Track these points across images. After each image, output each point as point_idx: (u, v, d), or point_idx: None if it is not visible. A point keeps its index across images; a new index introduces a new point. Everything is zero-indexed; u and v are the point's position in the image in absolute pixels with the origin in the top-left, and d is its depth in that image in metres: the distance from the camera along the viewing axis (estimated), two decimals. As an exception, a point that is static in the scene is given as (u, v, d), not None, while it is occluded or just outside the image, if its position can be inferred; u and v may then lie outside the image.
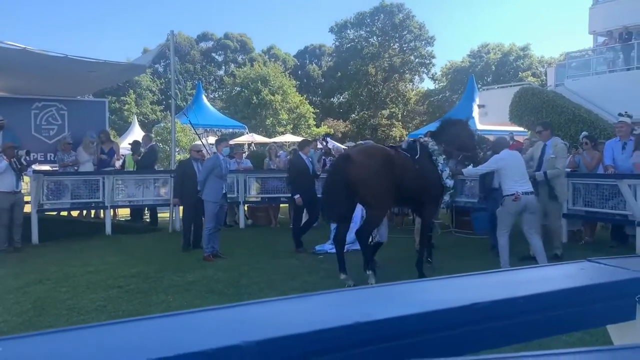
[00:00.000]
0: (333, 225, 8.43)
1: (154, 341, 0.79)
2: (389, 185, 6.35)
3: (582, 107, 16.20)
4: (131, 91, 44.48)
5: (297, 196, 8.79)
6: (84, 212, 11.50)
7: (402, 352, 0.87)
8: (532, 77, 41.26)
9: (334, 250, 8.17)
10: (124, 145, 20.94)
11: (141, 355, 0.72)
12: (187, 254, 8.48)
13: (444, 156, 6.99)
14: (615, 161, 8.47)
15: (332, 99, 51.17)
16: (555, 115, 15.68)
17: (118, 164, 12.36)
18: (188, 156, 10.30)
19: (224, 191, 8.28)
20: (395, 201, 6.95)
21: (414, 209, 7.90)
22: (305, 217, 9.23)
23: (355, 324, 0.84)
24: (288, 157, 12.26)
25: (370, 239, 6.80)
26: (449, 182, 6.90)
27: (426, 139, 7.33)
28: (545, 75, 28.34)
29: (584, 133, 9.93)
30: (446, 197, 7.06)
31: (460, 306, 0.93)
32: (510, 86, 23.33)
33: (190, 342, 0.77)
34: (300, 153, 9.17)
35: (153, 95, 47.98)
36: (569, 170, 9.04)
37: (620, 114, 9.14)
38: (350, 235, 8.22)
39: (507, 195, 6.76)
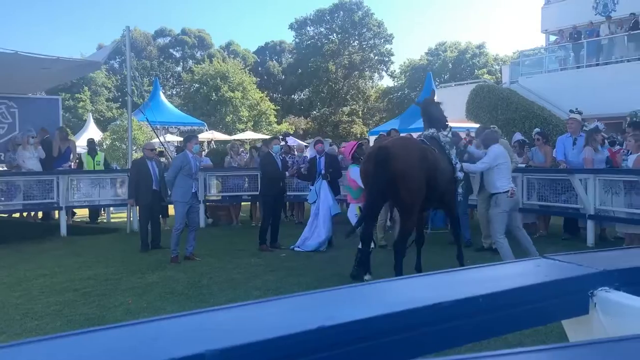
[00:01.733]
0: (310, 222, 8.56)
1: (111, 354, 0.77)
2: (424, 184, 5.91)
3: (536, 103, 16.71)
4: (86, 88, 43.26)
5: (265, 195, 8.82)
6: (32, 213, 11.10)
7: (368, 354, 0.87)
8: (487, 75, 42.23)
9: (311, 248, 8.25)
10: (81, 143, 20.40)
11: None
12: (147, 255, 8.32)
13: (454, 148, 6.73)
14: (566, 156, 8.77)
15: (292, 96, 51.07)
16: (510, 112, 16.13)
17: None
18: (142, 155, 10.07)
19: (194, 190, 7.96)
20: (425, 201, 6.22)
21: (438, 206, 7.29)
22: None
23: (320, 328, 0.83)
24: (256, 155, 12.15)
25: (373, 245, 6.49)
26: (460, 175, 6.63)
27: (432, 130, 6.77)
28: (500, 72, 29.04)
29: (537, 129, 10.23)
30: (460, 190, 6.87)
31: (424, 306, 0.94)
32: (467, 83, 23.85)
33: (151, 352, 0.75)
34: (270, 151, 9.14)
35: (109, 92, 46.76)
36: (523, 165, 9.30)
37: (571, 111, 9.47)
38: (318, 235, 8.19)
39: (502, 193, 6.45)
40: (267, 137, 21.50)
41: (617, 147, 8.90)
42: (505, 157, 6.64)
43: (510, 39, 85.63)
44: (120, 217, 12.21)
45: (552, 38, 22.21)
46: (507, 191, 6.43)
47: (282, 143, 15.35)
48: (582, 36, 19.23)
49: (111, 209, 12.56)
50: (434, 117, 6.87)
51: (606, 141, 9.65)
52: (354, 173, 6.41)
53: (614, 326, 1.07)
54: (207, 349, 0.74)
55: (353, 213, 6.44)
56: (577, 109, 9.37)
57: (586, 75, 17.96)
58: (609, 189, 7.89)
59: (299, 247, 8.46)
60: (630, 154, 7.85)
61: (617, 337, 0.88)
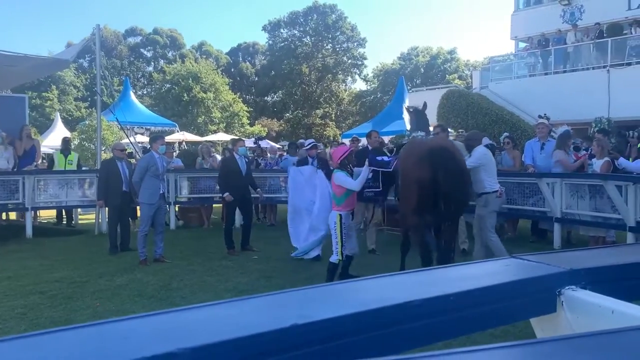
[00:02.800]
0: (294, 228, 8.03)
1: (79, 353, 0.75)
2: None
3: (505, 109, 17.00)
4: (54, 87, 42.29)
5: (226, 194, 8.36)
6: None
7: (340, 352, 0.87)
8: (458, 80, 42.90)
9: (314, 254, 7.65)
10: (48, 143, 19.92)
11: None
12: (115, 257, 8.17)
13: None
14: (534, 160, 8.95)
15: (266, 98, 50.93)
16: (480, 117, 16.37)
17: (40, 163, 11.71)
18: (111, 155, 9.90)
19: (161, 191, 7.86)
20: None
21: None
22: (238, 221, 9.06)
23: (293, 326, 0.83)
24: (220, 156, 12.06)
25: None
26: None
27: (421, 133, 6.65)
28: (471, 78, 29.54)
29: (505, 134, 10.40)
30: None
31: (395, 304, 0.95)
32: (438, 88, 24.16)
33: (121, 351, 0.74)
34: (233, 153, 8.80)
35: (77, 92, 45.79)
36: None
37: (539, 116, 9.67)
38: (311, 241, 7.61)
39: (490, 193, 6.47)
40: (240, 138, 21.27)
41: (583, 152, 9.12)
42: (490, 158, 6.66)
43: (480, 45, 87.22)
44: (88, 219, 11.96)
45: (522, 45, 22.66)
46: (496, 191, 6.49)
47: (254, 145, 15.32)
48: (550, 43, 19.68)
49: (79, 210, 12.29)
50: (423, 121, 7.01)
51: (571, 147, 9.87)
52: (339, 179, 6.09)
53: (580, 324, 1.10)
54: (178, 347, 0.73)
55: (333, 220, 6.14)
56: (545, 114, 9.58)
57: (554, 82, 18.37)
58: (575, 193, 8.08)
59: (300, 253, 7.79)
60: (595, 159, 8.07)
61: (583, 333, 0.90)
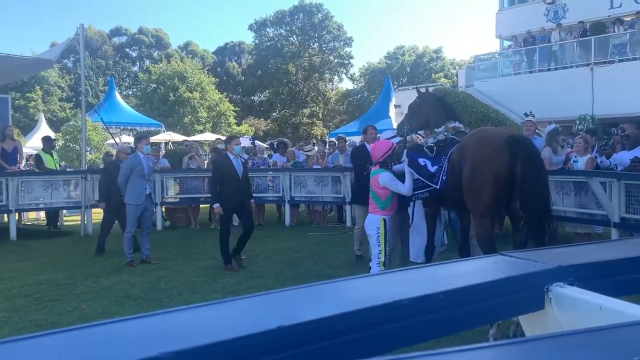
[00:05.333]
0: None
1: (62, 358, 0.73)
2: None
3: (491, 107, 17.09)
4: (37, 87, 41.79)
5: (216, 205, 7.36)
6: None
7: (328, 353, 0.86)
8: (444, 79, 43.13)
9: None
10: (32, 144, 19.67)
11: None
12: (101, 259, 8.09)
13: None
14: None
15: (252, 97, 50.77)
16: (466, 115, 16.39)
17: (23, 164, 11.55)
18: (105, 156, 9.78)
19: (147, 192, 7.75)
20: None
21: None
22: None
23: (279, 327, 0.82)
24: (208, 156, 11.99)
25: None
26: None
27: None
28: (457, 76, 29.66)
29: (493, 132, 10.45)
30: None
31: (384, 304, 0.93)
32: (424, 87, 24.24)
33: (102, 357, 0.72)
34: (228, 152, 7.59)
35: (62, 92, 45.31)
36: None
37: (525, 114, 9.73)
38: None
39: None
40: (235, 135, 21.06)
41: (568, 149, 9.19)
42: None
43: (466, 43, 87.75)
44: (73, 220, 11.83)
45: (507, 43, 22.82)
46: None
47: (250, 144, 15.17)
48: (535, 42, 19.85)
49: (64, 211, 12.15)
50: (450, 109, 6.28)
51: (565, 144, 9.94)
52: (386, 181, 5.51)
53: (568, 320, 1.09)
54: (161, 352, 0.71)
55: (376, 225, 5.57)
56: (530, 112, 9.64)
57: (538, 80, 18.53)
58: (560, 189, 8.14)
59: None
60: (577, 156, 8.14)
61: (570, 330, 0.90)
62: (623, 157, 7.68)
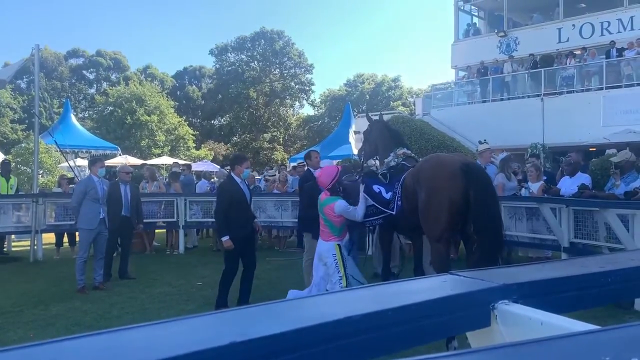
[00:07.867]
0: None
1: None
2: None
3: (446, 134, 17.57)
4: (-13, 108, 40.46)
5: (225, 238, 6.34)
6: None
7: (278, 368, 0.87)
8: (402, 107, 44.06)
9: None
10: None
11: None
12: (50, 286, 7.79)
13: None
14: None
15: (212, 121, 50.53)
16: (423, 142, 16.81)
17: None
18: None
19: (101, 216, 7.53)
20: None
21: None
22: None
23: (231, 344, 0.83)
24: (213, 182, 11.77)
25: None
26: None
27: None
28: (414, 104, 30.39)
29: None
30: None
31: (335, 320, 0.95)
32: (383, 114, 24.68)
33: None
34: (232, 174, 6.66)
35: (14, 113, 43.93)
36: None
37: (480, 142, 10.04)
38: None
39: None
40: (185, 162, 20.81)
41: (519, 176, 9.50)
42: None
43: (423, 73, 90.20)
44: (23, 246, 11.38)
45: (461, 73, 23.59)
46: None
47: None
48: (488, 72, 20.60)
49: (12, 236, 11.68)
50: (398, 137, 6.52)
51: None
52: (341, 207, 5.41)
53: (512, 336, 1.14)
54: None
55: (332, 252, 5.45)
56: (485, 140, 9.95)
57: (492, 109, 19.21)
58: (513, 215, 8.38)
59: None
60: (529, 182, 8.43)
61: (513, 342, 0.94)
62: (565, 184, 7.99)
